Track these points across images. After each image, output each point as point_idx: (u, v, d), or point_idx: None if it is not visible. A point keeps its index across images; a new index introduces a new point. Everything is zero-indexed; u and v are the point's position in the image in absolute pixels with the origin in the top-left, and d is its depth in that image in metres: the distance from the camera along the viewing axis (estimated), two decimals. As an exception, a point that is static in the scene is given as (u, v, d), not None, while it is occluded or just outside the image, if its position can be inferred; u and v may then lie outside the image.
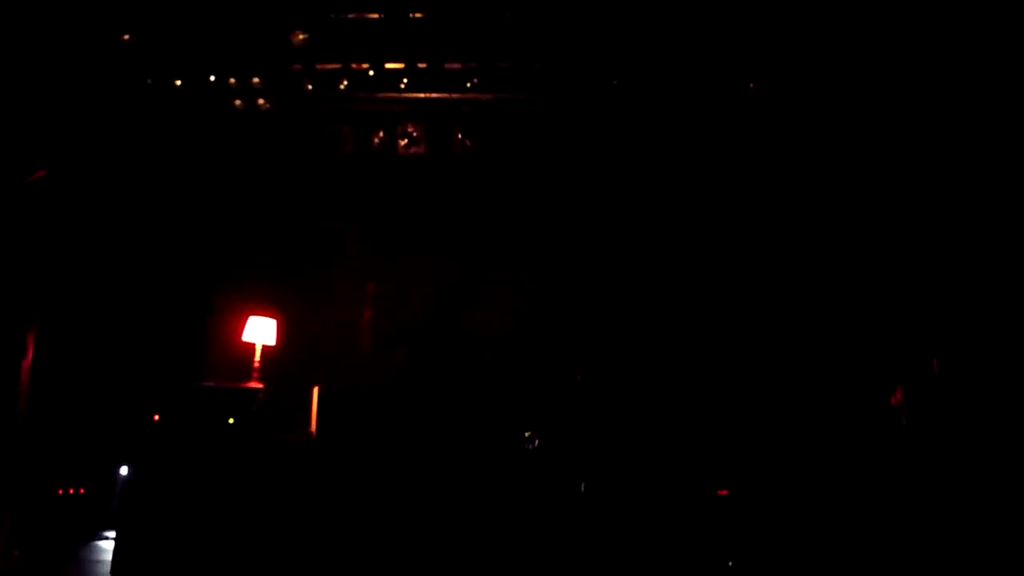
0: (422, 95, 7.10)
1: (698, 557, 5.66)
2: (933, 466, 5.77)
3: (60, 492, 6.80)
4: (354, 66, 6.98)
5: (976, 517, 5.30)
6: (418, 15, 6.62)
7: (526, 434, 6.09)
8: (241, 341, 6.81)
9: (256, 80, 7.07)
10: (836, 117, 6.73)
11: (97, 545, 6.61)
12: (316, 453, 6.16)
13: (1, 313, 6.44)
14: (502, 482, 5.87)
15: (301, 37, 6.80)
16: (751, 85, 6.62)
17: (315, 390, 6.39)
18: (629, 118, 7.02)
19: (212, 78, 7.05)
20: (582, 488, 6.03)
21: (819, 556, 5.45)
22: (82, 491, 6.91)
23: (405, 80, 7.00)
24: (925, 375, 6.19)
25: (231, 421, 6.26)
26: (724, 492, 5.81)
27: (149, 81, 7.07)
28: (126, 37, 6.74)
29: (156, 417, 6.23)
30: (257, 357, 6.72)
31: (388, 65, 6.96)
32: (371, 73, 6.96)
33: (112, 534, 6.35)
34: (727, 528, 5.76)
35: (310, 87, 7.08)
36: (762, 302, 6.85)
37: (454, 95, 7.06)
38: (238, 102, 7.17)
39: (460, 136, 7.19)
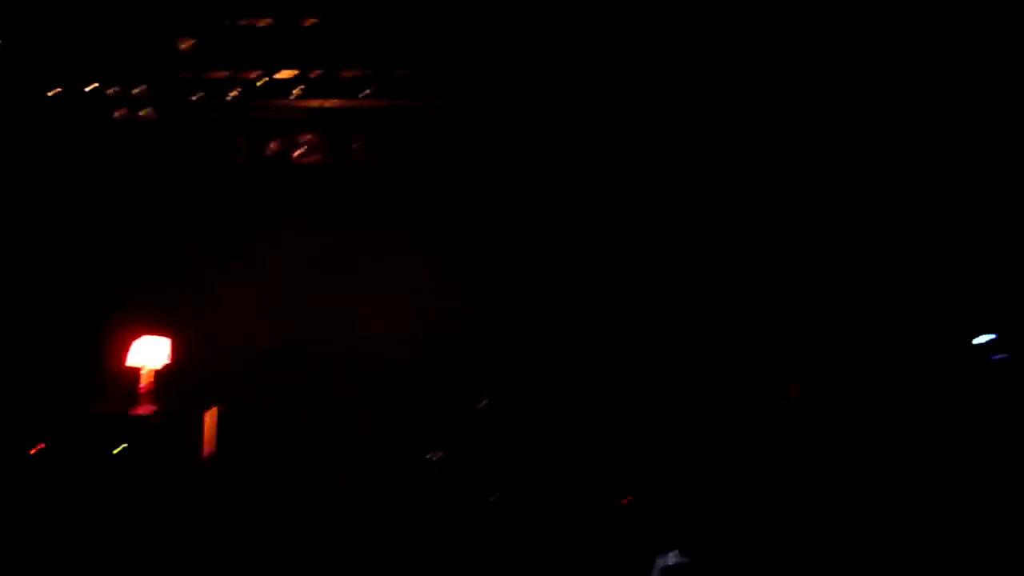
0: (317, 103, 6.94)
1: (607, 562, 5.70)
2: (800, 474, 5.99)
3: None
4: (245, 74, 6.78)
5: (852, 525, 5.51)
6: (311, 21, 6.49)
7: (428, 456, 6.04)
8: (132, 362, 6.50)
9: (140, 89, 6.78)
10: (716, 143, 6.92)
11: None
12: (213, 477, 5.94)
13: None
14: (408, 501, 5.78)
15: (188, 44, 6.58)
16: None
17: (212, 411, 6.17)
18: (529, 125, 7.02)
19: (92, 86, 6.72)
20: (492, 502, 6.00)
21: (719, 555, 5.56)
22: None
23: (299, 88, 6.83)
24: (780, 400, 6.43)
25: (121, 448, 6.00)
26: (626, 500, 5.86)
27: (23, 89, 6.69)
28: (-5, 42, 6.37)
29: (41, 446, 5.90)
30: (149, 379, 6.42)
31: (281, 73, 6.79)
32: (263, 81, 6.77)
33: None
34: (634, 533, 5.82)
35: (199, 96, 6.83)
36: (654, 319, 6.92)
37: (351, 102, 6.93)
38: (120, 112, 6.85)
39: (358, 144, 7.05)
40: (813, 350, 6.67)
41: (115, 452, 6.06)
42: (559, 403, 6.64)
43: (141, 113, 6.96)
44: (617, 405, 6.64)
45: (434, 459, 6.13)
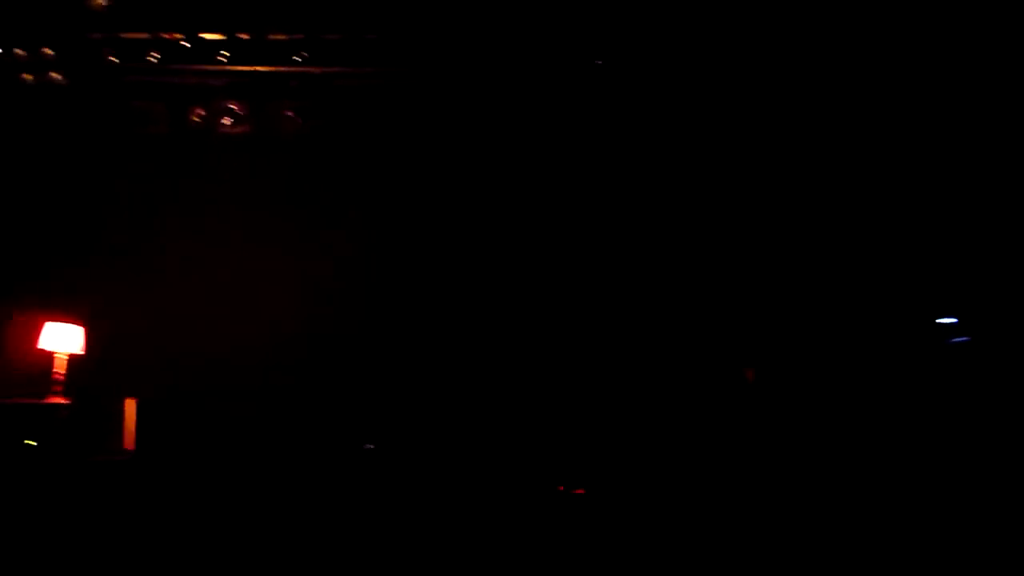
0: (245, 68, 6.43)
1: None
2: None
3: None
4: (165, 36, 6.24)
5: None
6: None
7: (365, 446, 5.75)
8: (44, 345, 6.05)
9: (48, 51, 6.22)
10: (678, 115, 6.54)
11: None
12: (133, 473, 5.56)
13: None
14: (341, 489, 5.48)
15: (101, 2, 6.02)
16: (599, 62, 6.32)
17: (131, 402, 5.77)
18: (470, 96, 6.58)
19: (-6, 47, 6.15)
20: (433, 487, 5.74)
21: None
22: None
23: (225, 52, 6.32)
24: (739, 384, 6.18)
25: (30, 442, 5.60)
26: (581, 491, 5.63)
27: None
28: None
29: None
30: (61, 367, 5.99)
31: (205, 35, 6.26)
32: (185, 44, 6.24)
33: None
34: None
35: (113, 59, 6.28)
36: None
37: (281, 68, 6.43)
38: (28, 76, 6.29)
39: (290, 113, 6.57)
40: (768, 333, 6.43)
41: (27, 444, 5.67)
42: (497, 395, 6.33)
43: (52, 76, 6.40)
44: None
45: (368, 448, 5.84)
